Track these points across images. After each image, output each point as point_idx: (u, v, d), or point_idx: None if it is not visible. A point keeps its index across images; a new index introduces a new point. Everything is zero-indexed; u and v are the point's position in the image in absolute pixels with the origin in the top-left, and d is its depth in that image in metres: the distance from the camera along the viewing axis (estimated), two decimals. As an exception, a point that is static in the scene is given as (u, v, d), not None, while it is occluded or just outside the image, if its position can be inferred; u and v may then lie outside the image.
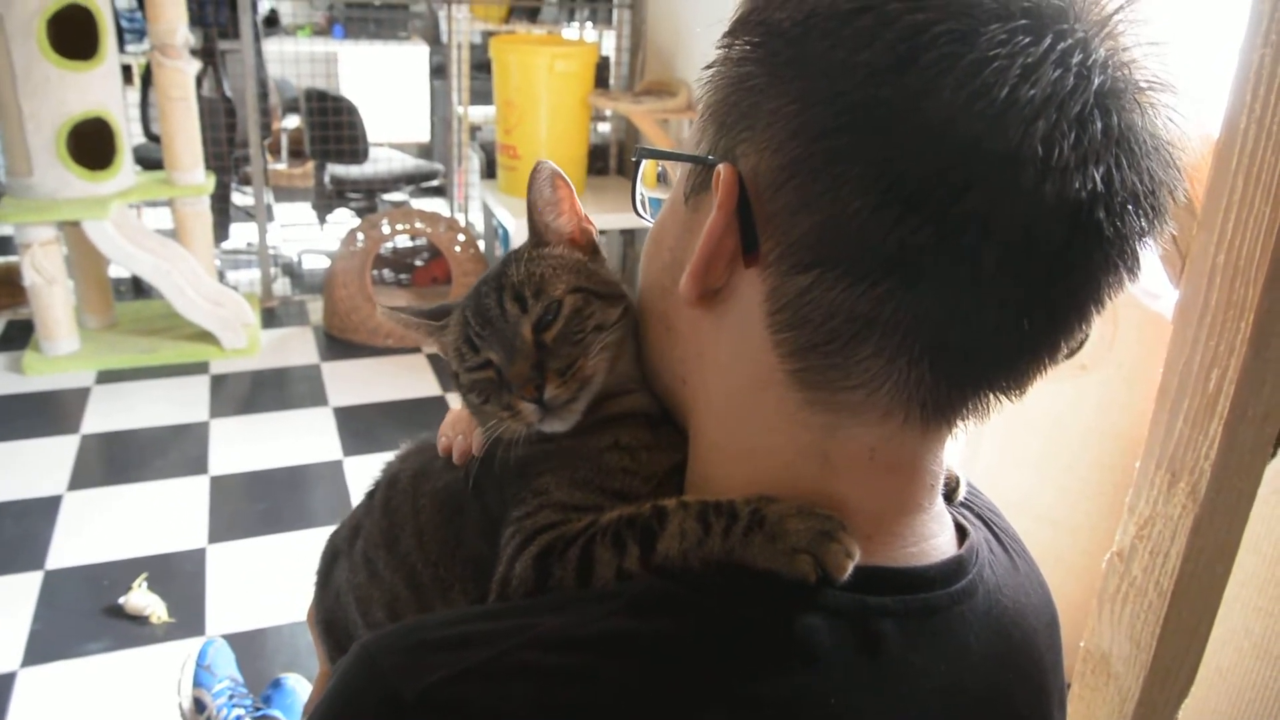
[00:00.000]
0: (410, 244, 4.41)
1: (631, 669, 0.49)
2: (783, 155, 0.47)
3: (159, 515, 2.73)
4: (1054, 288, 0.48)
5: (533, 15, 4.66)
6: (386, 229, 3.90)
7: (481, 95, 4.65)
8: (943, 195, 0.44)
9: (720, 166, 0.50)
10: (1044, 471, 1.78)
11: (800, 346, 0.50)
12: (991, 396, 0.51)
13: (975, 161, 0.44)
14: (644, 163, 0.64)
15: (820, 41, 0.46)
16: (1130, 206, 0.46)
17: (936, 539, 0.57)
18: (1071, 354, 0.52)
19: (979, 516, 0.65)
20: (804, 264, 0.48)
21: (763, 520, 0.51)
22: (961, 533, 0.60)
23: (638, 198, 0.66)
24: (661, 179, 0.66)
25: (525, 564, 0.56)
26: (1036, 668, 0.61)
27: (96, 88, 3.34)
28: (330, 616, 0.76)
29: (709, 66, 0.52)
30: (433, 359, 3.80)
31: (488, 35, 4.72)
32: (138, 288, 4.20)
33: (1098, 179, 0.44)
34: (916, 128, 0.44)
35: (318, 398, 3.47)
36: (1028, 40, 0.44)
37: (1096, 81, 0.45)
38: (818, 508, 0.52)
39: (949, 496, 0.63)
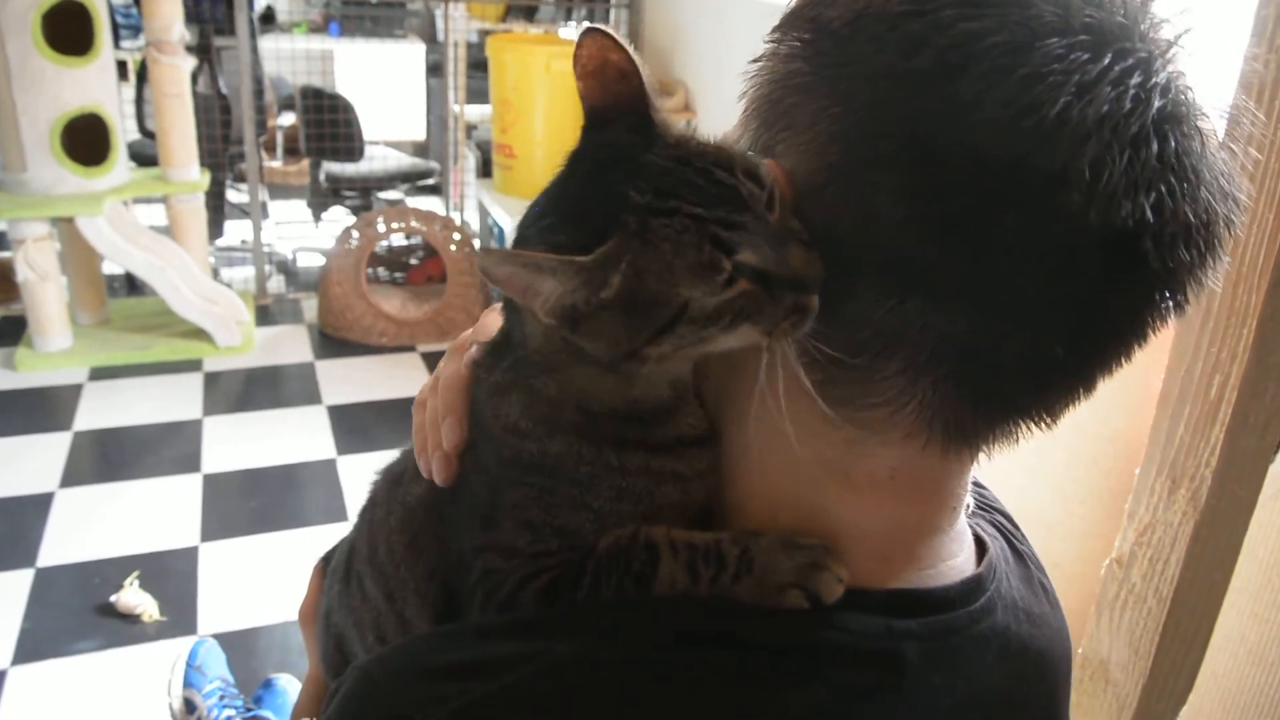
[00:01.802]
0: (405, 242, 4.39)
1: (650, 697, 0.48)
2: (821, 159, 0.46)
3: (151, 513, 2.71)
4: (1093, 318, 0.45)
5: (530, 14, 4.65)
6: (382, 227, 3.88)
7: (478, 94, 4.63)
8: (981, 213, 0.42)
9: (769, 163, 0.48)
10: (1040, 475, 1.77)
11: (824, 358, 0.48)
12: (1020, 424, 0.50)
13: (1018, 181, 0.42)
14: None
15: (868, 44, 0.44)
16: (1181, 240, 0.44)
17: (956, 559, 0.56)
18: None
19: (996, 528, 0.64)
20: (833, 273, 0.46)
21: (751, 564, 0.51)
22: (980, 546, 0.59)
23: None
24: None
25: (531, 597, 0.55)
26: (1050, 679, 0.61)
27: (91, 83, 3.32)
28: (325, 653, 0.73)
29: (756, 60, 0.51)
30: (427, 358, 3.79)
31: (484, 34, 4.72)
32: (131, 284, 4.18)
33: (1147, 207, 0.42)
34: (959, 141, 0.42)
35: (312, 396, 3.45)
36: (1086, 57, 0.42)
37: (1156, 105, 0.42)
38: (802, 538, 0.51)
39: None
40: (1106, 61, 0.42)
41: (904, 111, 0.43)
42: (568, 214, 0.48)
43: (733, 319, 0.46)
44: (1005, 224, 0.42)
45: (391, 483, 0.67)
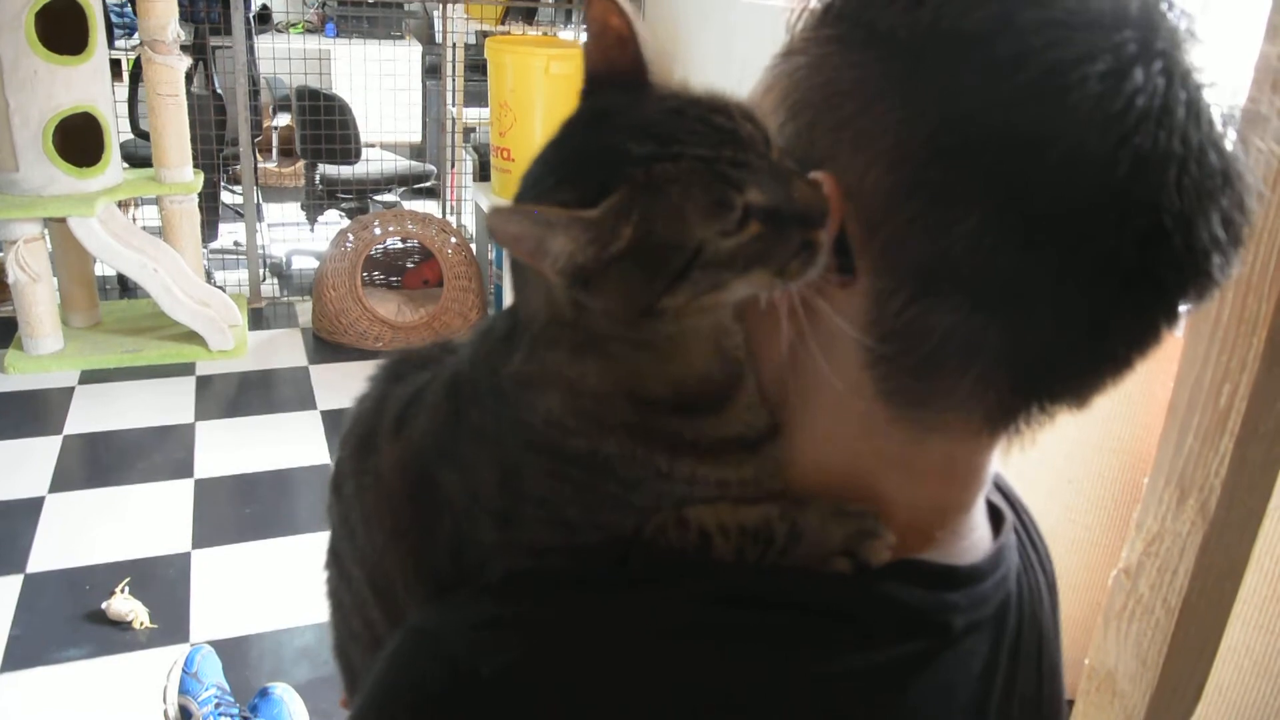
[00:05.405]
0: (401, 246, 4.37)
1: (709, 656, 0.48)
2: (895, 175, 0.45)
3: (142, 519, 2.69)
4: (1155, 324, 0.48)
5: (529, 16, 4.64)
6: (378, 230, 3.86)
7: (476, 97, 4.61)
8: (1073, 237, 0.43)
9: (821, 176, 0.47)
10: (1046, 485, 1.76)
11: (895, 368, 0.49)
12: (1058, 410, 0.51)
13: (1114, 209, 0.43)
14: None
15: (945, 59, 0.44)
16: (1234, 247, 0.46)
17: (981, 530, 0.59)
18: None
19: (999, 489, 0.67)
20: (908, 288, 0.46)
21: (800, 536, 0.51)
22: (994, 514, 0.62)
23: None
24: None
25: None
26: (1044, 637, 0.64)
27: (85, 83, 3.30)
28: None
29: (792, 53, 0.49)
30: (423, 362, 3.76)
31: (483, 35, 4.70)
32: (123, 286, 4.15)
33: (1217, 224, 0.44)
34: (1055, 168, 0.42)
35: (305, 401, 3.43)
36: (1164, 83, 0.43)
37: (1219, 125, 0.44)
38: (851, 505, 0.52)
39: None
40: (1178, 89, 0.43)
41: (992, 134, 0.43)
42: (568, 175, 0.47)
43: (745, 263, 0.45)
44: (1096, 246, 0.44)
45: (359, 448, 0.63)
